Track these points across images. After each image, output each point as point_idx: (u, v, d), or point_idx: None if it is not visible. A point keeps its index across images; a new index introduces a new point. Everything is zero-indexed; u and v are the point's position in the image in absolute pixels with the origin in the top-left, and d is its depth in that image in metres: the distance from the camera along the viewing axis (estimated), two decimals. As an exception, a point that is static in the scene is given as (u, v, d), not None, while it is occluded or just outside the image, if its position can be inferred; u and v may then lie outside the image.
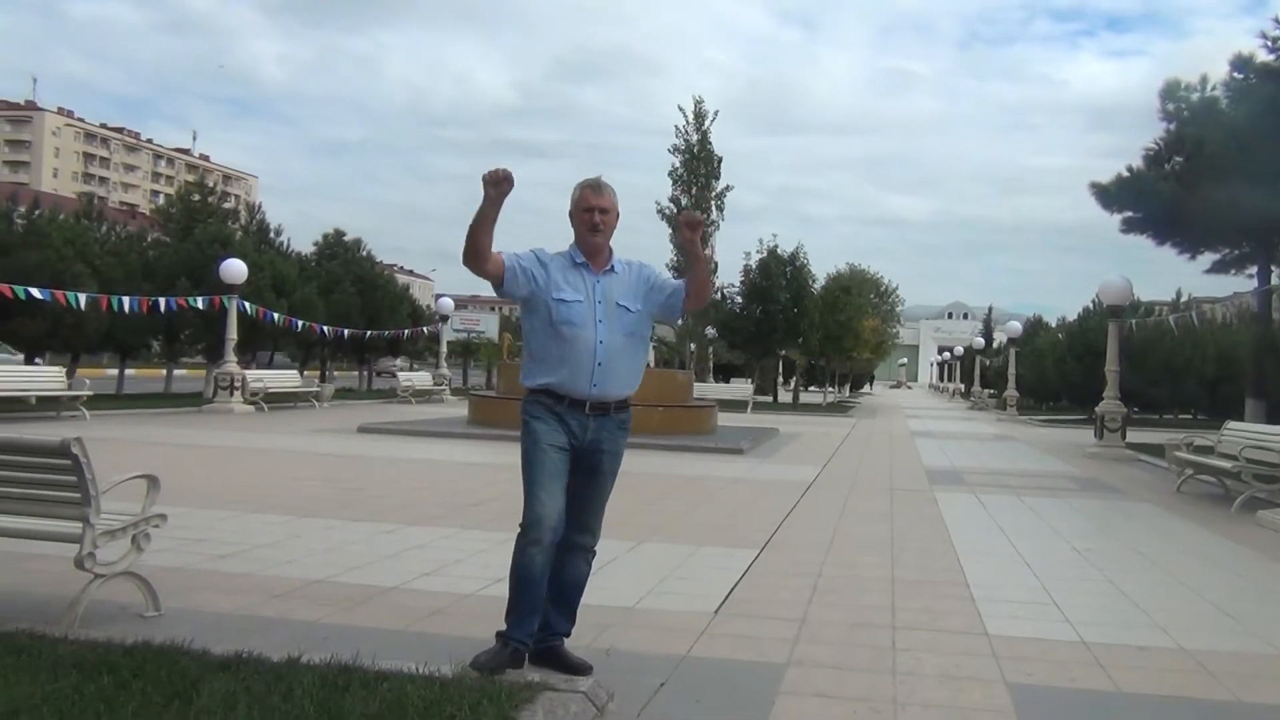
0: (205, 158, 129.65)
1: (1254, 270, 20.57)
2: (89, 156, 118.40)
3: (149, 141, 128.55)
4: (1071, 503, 11.52)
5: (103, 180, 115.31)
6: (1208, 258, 21.30)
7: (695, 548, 7.36)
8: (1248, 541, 8.88)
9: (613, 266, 4.34)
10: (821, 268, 42.71)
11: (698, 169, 37.65)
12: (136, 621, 4.78)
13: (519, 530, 4.15)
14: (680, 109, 37.98)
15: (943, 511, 10.19)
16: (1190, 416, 34.67)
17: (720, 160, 37.79)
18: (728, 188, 38.50)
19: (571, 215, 4.32)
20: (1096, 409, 19.44)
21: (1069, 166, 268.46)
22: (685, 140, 38.07)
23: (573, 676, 4.06)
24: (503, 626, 4.14)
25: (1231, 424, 13.22)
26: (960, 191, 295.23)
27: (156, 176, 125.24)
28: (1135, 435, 20.10)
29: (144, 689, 3.57)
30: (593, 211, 4.24)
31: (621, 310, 4.28)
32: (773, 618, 5.46)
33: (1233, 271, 21.73)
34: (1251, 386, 19.25)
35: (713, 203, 37.62)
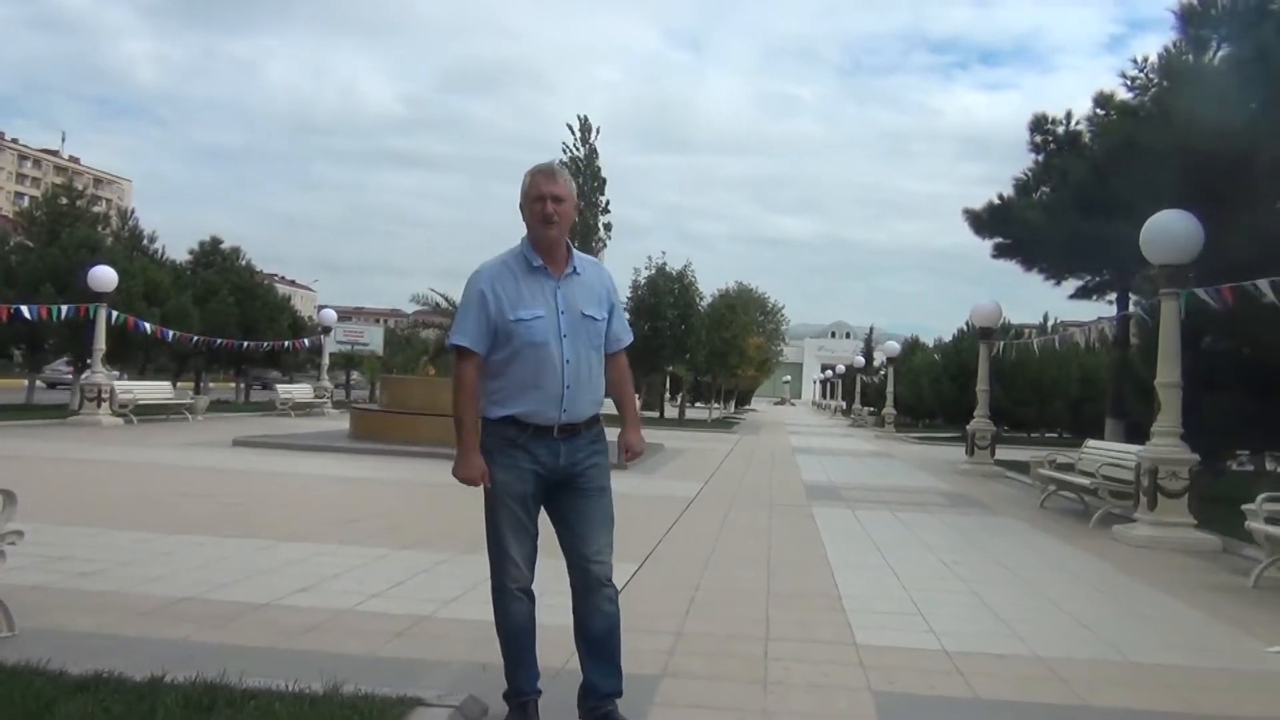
0: (75, 159, 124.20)
1: (1114, 296, 21.65)
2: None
3: (14, 141, 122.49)
4: (942, 518, 11.92)
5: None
6: (1071, 284, 22.37)
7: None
8: (1104, 555, 9.34)
9: (574, 268, 3.83)
10: (709, 285, 43.30)
11: (583, 186, 37.67)
12: (-14, 644, 4.57)
13: (492, 585, 3.87)
14: (569, 126, 38.00)
15: (819, 526, 10.44)
16: (1057, 435, 36.18)
17: (604, 181, 37.85)
18: (607, 203, 38.54)
19: (522, 207, 3.81)
20: (967, 427, 20.18)
21: (945, 193, 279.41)
22: (572, 155, 38.08)
23: (443, 692, 4.04)
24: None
25: (1091, 442, 13.89)
26: (843, 214, 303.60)
27: (21, 178, 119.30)
28: (1004, 453, 20.94)
29: (3, 707, 3.42)
30: (545, 200, 3.72)
31: (588, 321, 3.79)
32: (649, 631, 5.52)
33: (1094, 297, 22.87)
34: (1111, 407, 20.23)
35: (599, 219, 37.73)
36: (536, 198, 3.74)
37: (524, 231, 3.85)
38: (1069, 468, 13.39)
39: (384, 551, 7.64)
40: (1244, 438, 13.66)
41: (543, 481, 3.80)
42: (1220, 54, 11.65)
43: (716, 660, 5.02)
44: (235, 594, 5.93)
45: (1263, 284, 9.34)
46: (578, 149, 37.76)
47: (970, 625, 6.14)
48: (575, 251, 3.88)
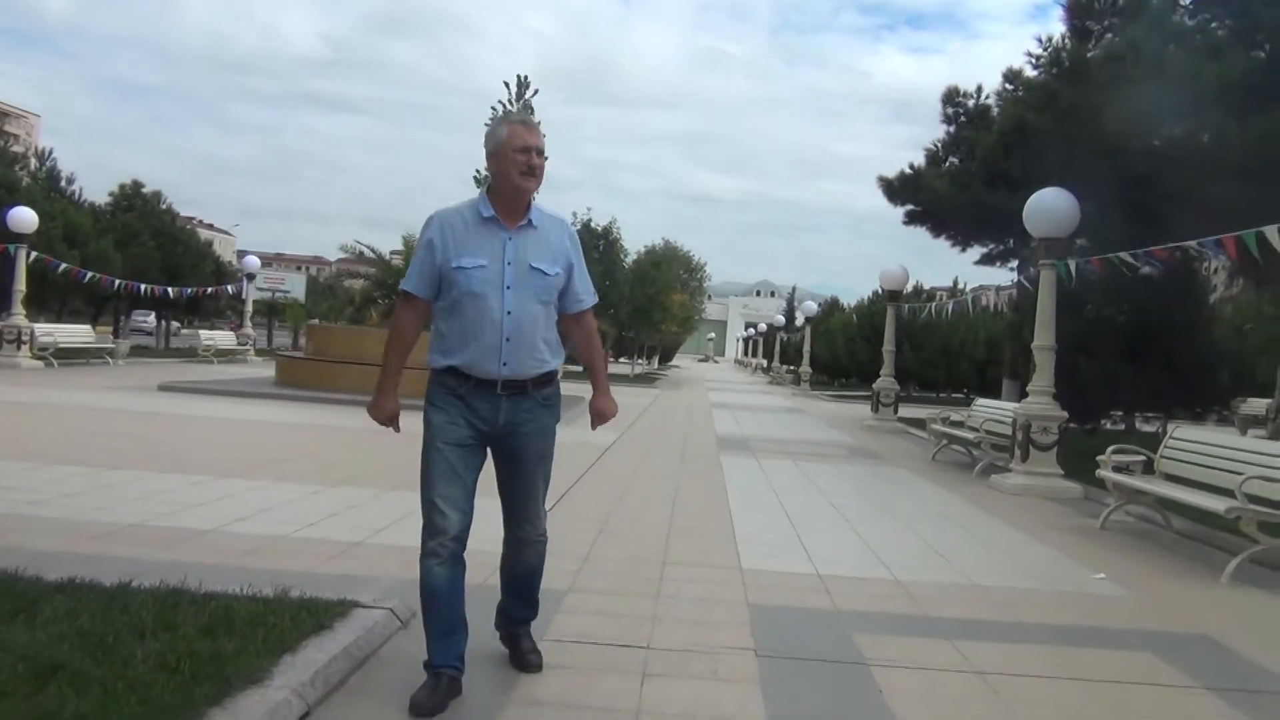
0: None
1: (1015, 264, 22.78)
2: None
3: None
4: (840, 468, 12.82)
5: None
6: (976, 250, 23.46)
7: (494, 498, 8.01)
8: (978, 501, 10.27)
9: (531, 221, 3.75)
10: (636, 241, 44.04)
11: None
12: (-45, 559, 5.03)
13: (421, 547, 3.84)
14: (505, 84, 38.02)
15: (725, 473, 11.22)
16: (963, 395, 37.69)
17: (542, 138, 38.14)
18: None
19: (493, 156, 3.72)
20: (873, 385, 21.23)
21: (871, 155, 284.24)
22: (505, 110, 38.18)
23: (378, 597, 4.63)
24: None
25: (980, 401, 14.92)
26: (771, 173, 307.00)
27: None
28: (911, 411, 22.03)
29: (-8, 604, 3.97)
30: (530, 152, 3.68)
31: (536, 274, 3.72)
32: (560, 555, 6.12)
33: (998, 264, 23.99)
34: (1007, 368, 21.42)
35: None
36: (520, 149, 3.67)
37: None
38: (961, 424, 14.38)
39: (315, 488, 8.18)
40: (1116, 398, 14.81)
41: (480, 434, 3.78)
42: (1100, 46, 12.57)
43: (617, 579, 5.74)
44: (178, 522, 6.46)
45: (1125, 255, 10.30)
46: (512, 106, 37.80)
47: (843, 555, 6.95)
48: (537, 205, 3.81)
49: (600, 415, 4.10)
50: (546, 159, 3.86)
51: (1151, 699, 4.26)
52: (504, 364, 3.69)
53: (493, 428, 3.76)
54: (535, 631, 4.29)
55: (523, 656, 4.09)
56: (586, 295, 4.01)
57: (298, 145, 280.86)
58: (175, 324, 40.14)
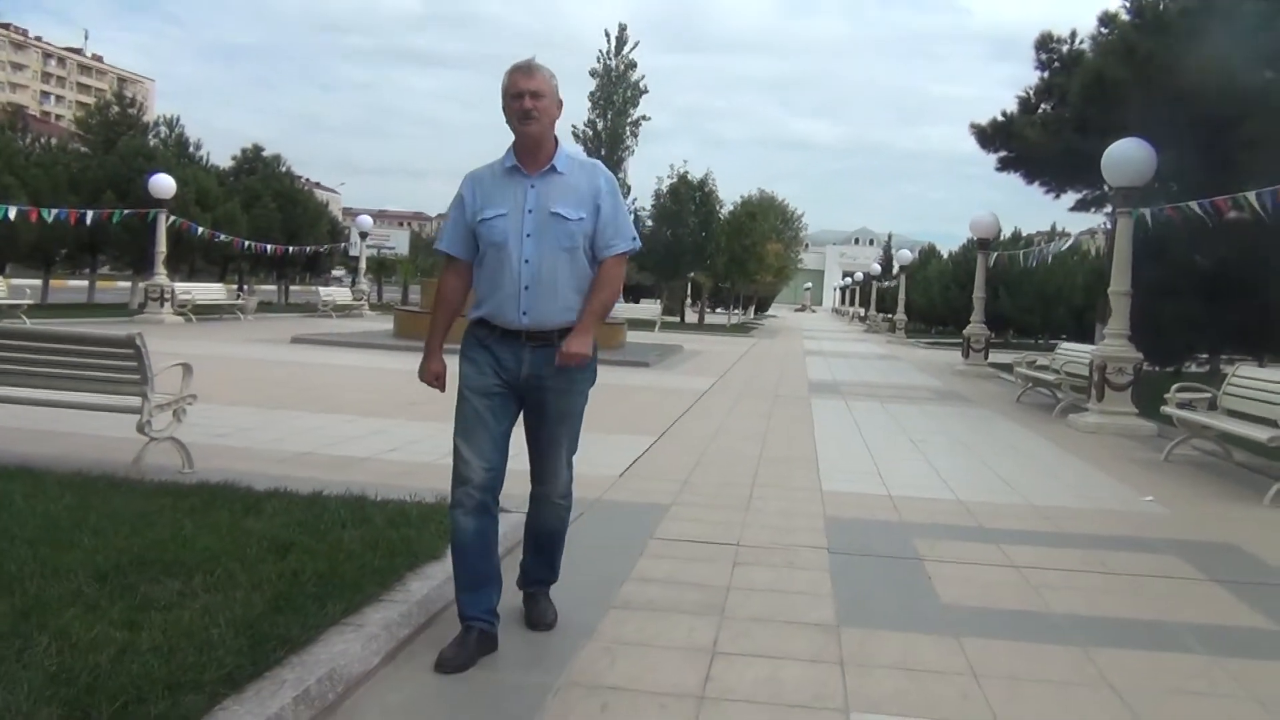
0: (98, 58, 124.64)
1: (1109, 209, 22.85)
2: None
3: (38, 39, 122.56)
4: (925, 408, 13.55)
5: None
6: (1070, 196, 23.56)
7: (605, 434, 9.01)
8: (1053, 438, 10.94)
9: (554, 166, 3.69)
10: (731, 190, 44.67)
11: (613, 94, 38.71)
12: (179, 475, 6.21)
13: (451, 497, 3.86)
14: (606, 33, 38.84)
15: (814, 413, 12.08)
16: (1061, 340, 37.49)
17: (644, 92, 38.83)
18: (644, 118, 39.72)
19: (503, 109, 3.68)
20: (964, 332, 21.71)
21: (972, 96, 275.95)
22: (605, 64, 39.01)
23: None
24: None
25: (1064, 345, 15.42)
26: (868, 117, 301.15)
27: (46, 77, 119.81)
28: (1002, 356, 22.47)
29: (226, 504, 5.14)
30: (523, 97, 3.59)
31: (556, 220, 3.62)
32: (663, 479, 7.21)
33: (1092, 210, 24.07)
34: (1100, 313, 21.65)
35: (628, 129, 38.80)
36: (515, 95, 3.62)
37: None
38: (1045, 368, 14.92)
39: (446, 426, 9.24)
40: (1198, 341, 15.13)
41: (507, 385, 3.75)
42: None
43: (713, 497, 6.71)
44: (341, 451, 7.64)
45: (1194, 205, 10.74)
46: (609, 59, 38.55)
47: (915, 480, 7.80)
48: (563, 150, 3.75)
49: (561, 352, 3.67)
50: (558, 102, 3.74)
51: (1162, 586, 5.07)
52: (524, 313, 3.65)
53: (516, 379, 3.72)
54: (613, 574, 4.74)
55: (537, 616, 4.08)
56: (617, 240, 3.76)
57: (394, 102, 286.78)
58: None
